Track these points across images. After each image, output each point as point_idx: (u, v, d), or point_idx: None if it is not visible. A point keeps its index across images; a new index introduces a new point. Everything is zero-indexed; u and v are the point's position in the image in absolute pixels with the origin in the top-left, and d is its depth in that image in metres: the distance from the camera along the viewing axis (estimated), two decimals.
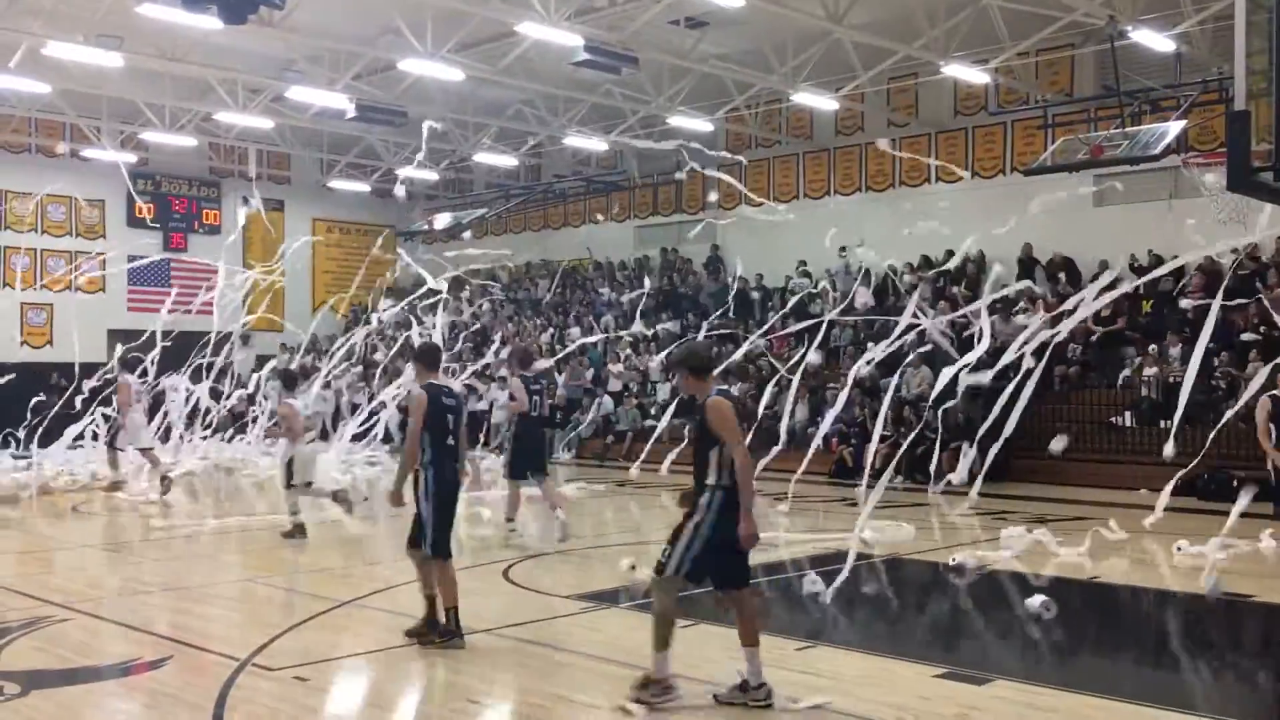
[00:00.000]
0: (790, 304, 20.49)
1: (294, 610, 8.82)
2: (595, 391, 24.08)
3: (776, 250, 25.61)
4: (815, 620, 8.44)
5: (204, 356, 20.76)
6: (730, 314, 25.16)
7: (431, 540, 7.30)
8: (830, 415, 14.62)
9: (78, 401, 19.60)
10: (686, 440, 16.67)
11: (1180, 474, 11.15)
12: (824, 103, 22.45)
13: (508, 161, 29.14)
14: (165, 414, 20.70)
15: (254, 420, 21.62)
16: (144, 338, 19.63)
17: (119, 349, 19.19)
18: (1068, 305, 12.75)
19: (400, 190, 21.37)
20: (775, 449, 16.19)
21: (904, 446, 17.72)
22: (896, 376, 18.49)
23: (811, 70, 21.13)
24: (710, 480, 6.22)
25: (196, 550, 11.97)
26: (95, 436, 19.39)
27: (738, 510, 6.10)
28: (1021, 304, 20.61)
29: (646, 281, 24.02)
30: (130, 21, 18.51)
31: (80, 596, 9.09)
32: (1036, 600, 8.37)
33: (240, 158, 30.68)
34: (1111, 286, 11.96)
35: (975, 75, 20.43)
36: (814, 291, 22.66)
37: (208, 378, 20.75)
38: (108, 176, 29.13)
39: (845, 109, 23.96)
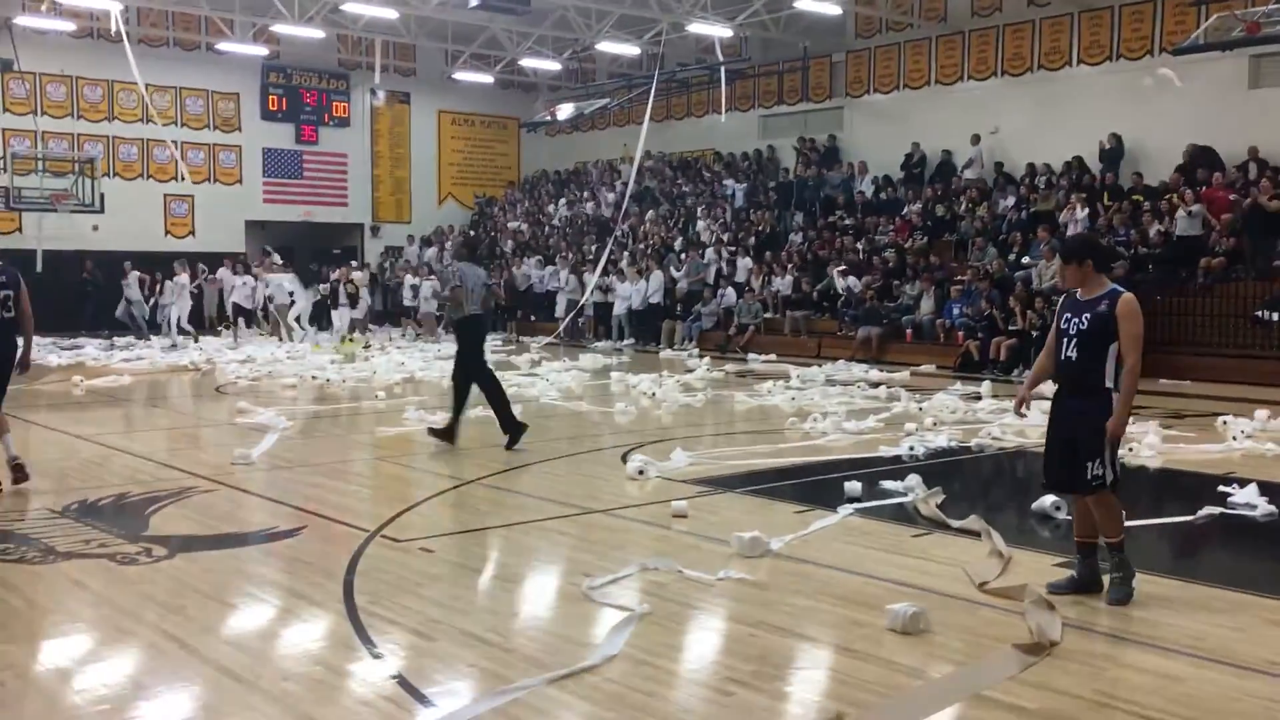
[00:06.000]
0: None
1: (421, 487, 9.15)
2: (718, 284, 23.98)
3: (905, 138, 24.94)
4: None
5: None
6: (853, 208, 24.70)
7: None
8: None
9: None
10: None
11: None
12: None
13: (630, 50, 28.74)
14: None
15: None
16: None
17: None
18: None
19: None
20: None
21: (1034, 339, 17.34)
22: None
23: None
24: None
25: (335, 431, 12.47)
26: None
27: None
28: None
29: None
30: None
31: (226, 471, 9.55)
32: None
33: (368, 49, 30.93)
34: None
35: None
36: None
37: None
38: (242, 69, 29.82)
39: None
